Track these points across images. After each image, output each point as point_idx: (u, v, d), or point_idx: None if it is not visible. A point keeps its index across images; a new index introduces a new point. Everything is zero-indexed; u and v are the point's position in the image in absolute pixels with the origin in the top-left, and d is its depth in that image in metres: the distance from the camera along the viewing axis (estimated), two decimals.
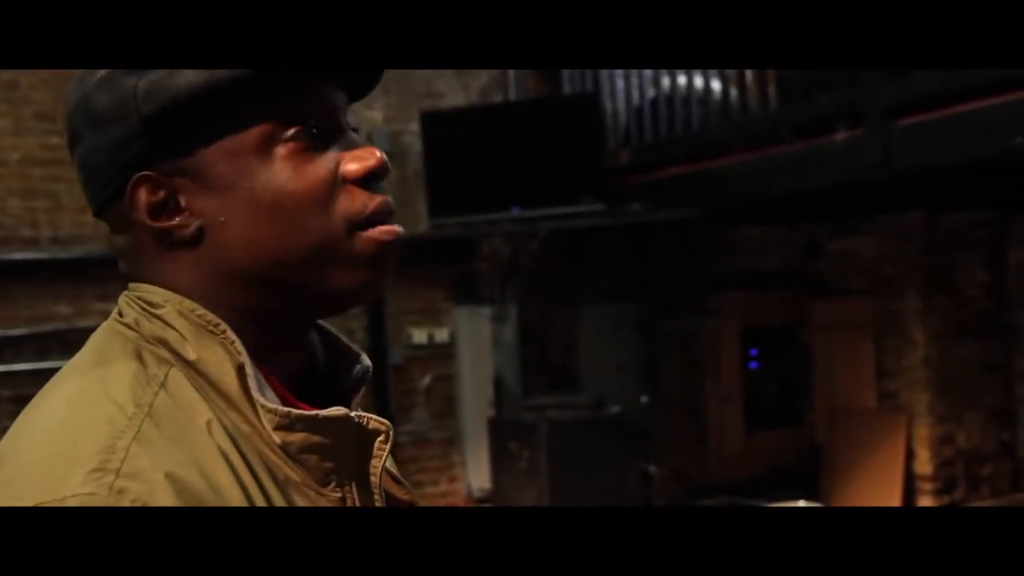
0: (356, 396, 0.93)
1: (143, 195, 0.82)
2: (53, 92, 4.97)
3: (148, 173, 0.82)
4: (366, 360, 0.95)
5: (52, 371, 0.85)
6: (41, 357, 4.74)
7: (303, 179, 0.82)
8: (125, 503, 0.71)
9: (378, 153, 0.85)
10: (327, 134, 0.85)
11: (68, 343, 4.70)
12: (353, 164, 0.84)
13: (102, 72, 0.82)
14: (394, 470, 0.95)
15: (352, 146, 0.86)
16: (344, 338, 0.96)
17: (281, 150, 0.82)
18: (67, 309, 4.95)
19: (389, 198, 0.86)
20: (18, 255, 4.90)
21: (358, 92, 0.90)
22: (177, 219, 0.83)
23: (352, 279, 0.85)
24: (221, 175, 0.82)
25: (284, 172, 0.82)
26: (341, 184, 0.84)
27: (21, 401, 0.83)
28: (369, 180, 0.85)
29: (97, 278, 4.92)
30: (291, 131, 0.82)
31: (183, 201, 0.82)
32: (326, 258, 0.83)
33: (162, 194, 0.82)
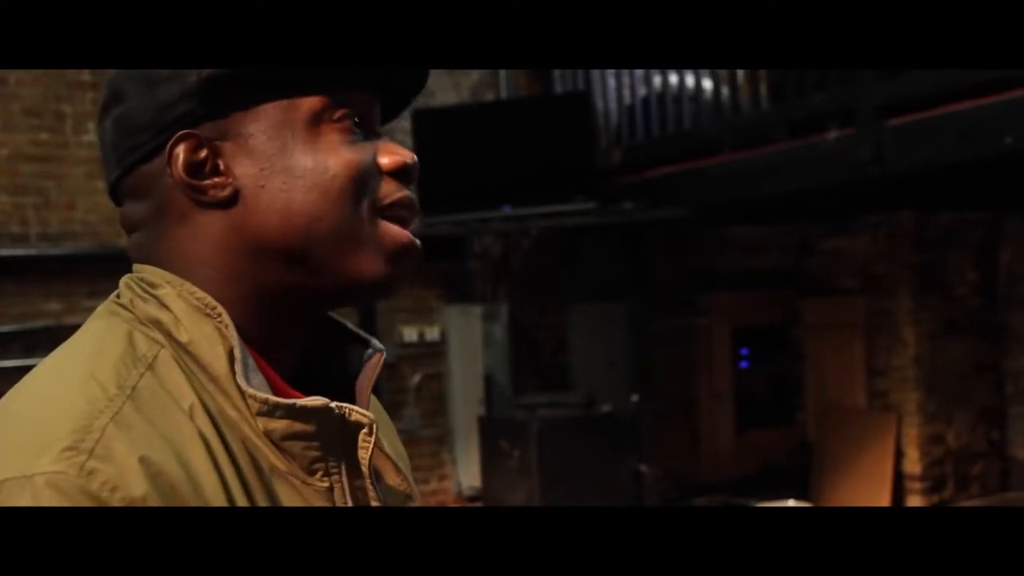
0: (367, 381, 0.93)
1: (183, 152, 0.83)
2: (42, 88, 4.96)
3: (191, 132, 0.83)
4: (377, 344, 0.95)
5: None
6: (30, 354, 4.72)
7: (344, 158, 0.85)
8: (94, 485, 0.70)
9: (410, 152, 0.89)
10: (366, 129, 0.88)
11: (57, 340, 4.61)
12: (387, 157, 0.88)
13: None
14: (392, 455, 0.93)
15: (385, 143, 0.89)
16: (351, 325, 0.96)
17: (327, 129, 0.85)
18: (56, 306, 4.94)
19: (412, 195, 0.89)
20: (7, 252, 4.89)
21: (388, 114, 0.94)
22: (215, 179, 0.83)
23: (371, 267, 0.86)
24: (267, 141, 0.84)
25: (327, 149, 0.84)
26: (376, 173, 0.87)
27: None
28: (400, 174, 0.88)
29: (86, 275, 4.90)
30: (339, 112, 0.85)
31: (222, 164, 0.83)
32: (351, 239, 0.85)
33: (203, 154, 0.83)
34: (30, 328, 4.85)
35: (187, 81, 0.82)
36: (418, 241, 0.89)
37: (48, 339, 4.75)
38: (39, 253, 4.95)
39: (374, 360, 0.94)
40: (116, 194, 0.89)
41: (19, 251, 4.92)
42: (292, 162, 0.84)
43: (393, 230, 0.87)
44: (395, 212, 0.87)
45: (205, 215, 0.84)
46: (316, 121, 0.85)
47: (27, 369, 0.83)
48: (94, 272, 4.87)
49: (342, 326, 0.95)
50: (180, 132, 0.83)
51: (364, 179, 0.85)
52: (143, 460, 0.72)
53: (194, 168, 0.83)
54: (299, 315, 0.88)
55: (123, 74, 0.85)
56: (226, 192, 0.83)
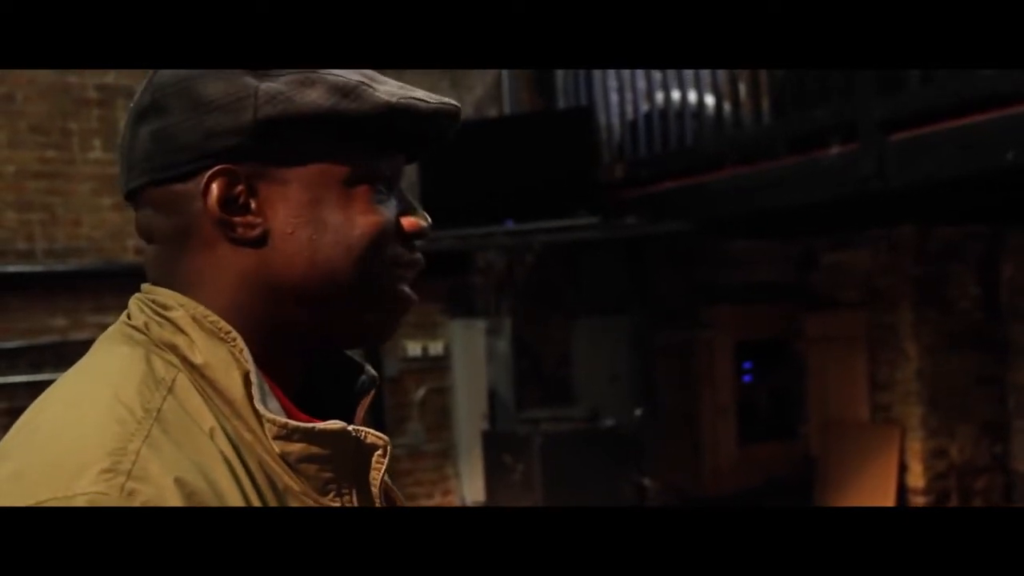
0: (361, 406, 0.95)
1: (220, 186, 0.84)
2: (49, 105, 4.99)
3: (232, 167, 0.85)
4: (371, 370, 0.98)
5: (47, 384, 0.86)
6: (36, 370, 4.73)
7: (371, 219, 0.88)
8: (135, 504, 0.72)
9: (426, 216, 0.94)
10: (392, 187, 0.92)
11: (63, 356, 4.70)
12: (408, 221, 0.92)
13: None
14: (388, 481, 0.96)
15: (405, 203, 0.93)
16: (346, 351, 0.98)
17: (361, 189, 0.88)
18: (62, 322, 4.95)
19: (421, 258, 0.95)
20: (13, 268, 4.90)
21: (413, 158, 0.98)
22: (247, 217, 0.85)
23: (376, 319, 0.92)
24: (303, 191, 0.86)
25: (358, 207, 0.88)
26: (395, 233, 0.91)
27: (16, 413, 0.83)
28: (416, 237, 0.93)
29: (92, 291, 4.92)
30: (373, 175, 0.89)
31: (254, 204, 0.86)
32: (365, 292, 0.89)
33: (237, 190, 0.85)
34: (36, 344, 4.86)
35: (242, 116, 0.84)
36: (415, 297, 0.94)
37: (54, 355, 4.77)
38: (45, 269, 4.97)
39: (368, 388, 0.97)
40: (135, 199, 0.89)
41: (25, 267, 4.93)
42: (324, 215, 0.87)
43: (399, 289, 0.92)
44: (405, 272, 0.92)
45: (229, 249, 0.86)
46: (351, 183, 0.88)
47: (33, 385, 0.85)
48: (100, 288, 4.89)
49: (338, 351, 0.97)
50: (221, 165, 0.84)
51: (386, 240, 0.90)
52: (178, 481, 0.74)
53: (227, 202, 0.85)
54: (301, 350, 0.91)
55: (169, 86, 0.86)
56: (256, 232, 0.86)
